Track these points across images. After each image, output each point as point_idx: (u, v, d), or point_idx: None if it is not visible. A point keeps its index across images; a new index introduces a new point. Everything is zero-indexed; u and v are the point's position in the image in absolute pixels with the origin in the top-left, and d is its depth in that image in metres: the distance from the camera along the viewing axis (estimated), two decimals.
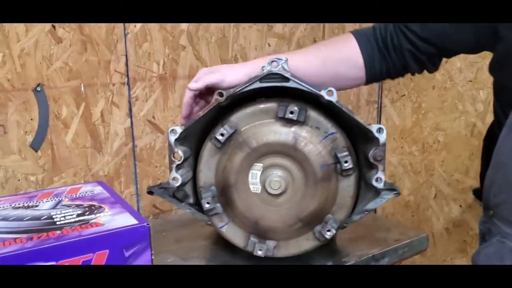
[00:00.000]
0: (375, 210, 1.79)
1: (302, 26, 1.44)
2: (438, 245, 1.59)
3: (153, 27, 1.10)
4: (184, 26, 1.15)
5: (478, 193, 1.42)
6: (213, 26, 1.21)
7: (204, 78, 0.78)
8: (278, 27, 1.38)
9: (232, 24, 1.25)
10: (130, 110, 1.09)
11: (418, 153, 1.62)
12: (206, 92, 0.81)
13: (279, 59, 0.76)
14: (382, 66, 0.84)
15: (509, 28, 0.69)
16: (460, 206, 1.52)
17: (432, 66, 0.84)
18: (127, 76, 1.07)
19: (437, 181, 1.57)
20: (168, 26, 1.12)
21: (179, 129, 0.78)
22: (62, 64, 0.98)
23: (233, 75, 0.78)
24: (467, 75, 1.43)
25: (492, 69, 0.78)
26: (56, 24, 0.95)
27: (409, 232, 1.02)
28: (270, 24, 1.35)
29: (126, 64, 1.07)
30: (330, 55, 0.82)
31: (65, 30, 0.97)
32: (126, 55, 1.06)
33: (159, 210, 1.18)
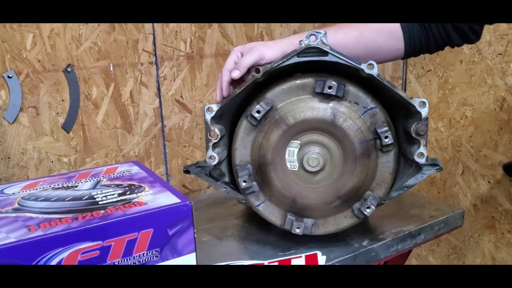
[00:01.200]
0: None
1: None
2: (466, 222, 1.58)
3: None
4: None
5: (508, 168, 1.41)
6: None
7: (244, 62, 0.76)
8: None
9: None
10: (159, 89, 1.08)
11: (444, 129, 1.60)
12: None
13: (317, 32, 0.74)
14: (422, 38, 0.82)
15: None
16: (489, 182, 1.50)
17: (475, 35, 0.82)
18: (155, 55, 1.06)
19: (464, 157, 1.55)
20: None
21: (215, 107, 0.77)
22: (91, 44, 0.97)
23: (270, 52, 0.76)
24: (497, 48, 1.39)
25: None
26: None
27: (444, 208, 1.01)
28: None
29: (154, 43, 1.05)
30: (368, 26, 0.80)
31: None
32: (154, 34, 1.05)
33: (188, 190, 1.18)
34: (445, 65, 1.56)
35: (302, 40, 0.75)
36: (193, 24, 1.11)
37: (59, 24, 0.92)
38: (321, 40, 0.74)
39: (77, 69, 0.96)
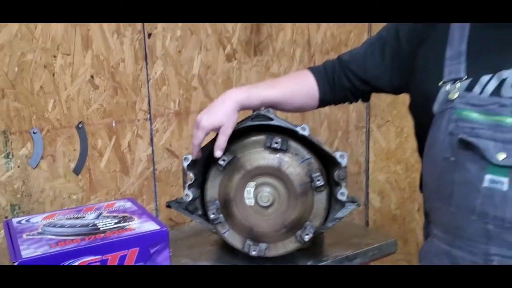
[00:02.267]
0: (366, 223, 2.01)
1: (295, 66, 1.69)
2: None
3: (170, 73, 1.35)
4: (195, 71, 1.41)
5: None
6: (219, 70, 1.46)
7: (202, 130, 0.97)
8: (274, 67, 1.63)
9: (235, 67, 1.50)
10: (152, 140, 1.34)
11: (402, 172, 1.84)
12: None
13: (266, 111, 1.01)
14: (330, 97, 1.08)
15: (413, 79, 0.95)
16: None
17: (366, 99, 1.12)
18: (149, 113, 1.32)
19: (419, 196, 1.78)
20: (183, 72, 1.38)
21: (190, 157, 1.02)
22: (98, 106, 1.23)
23: (220, 112, 0.97)
24: None
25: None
26: (94, 75, 1.21)
27: (380, 238, 1.24)
28: (267, 65, 1.60)
29: (149, 104, 1.32)
30: (298, 90, 1.06)
31: (100, 79, 1.23)
32: (149, 97, 1.32)
33: (174, 223, 1.42)
34: (400, 116, 1.82)
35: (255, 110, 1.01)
36: (181, 88, 1.38)
37: (74, 91, 1.19)
38: (268, 110, 1.01)
39: (87, 125, 1.22)
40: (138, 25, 1.27)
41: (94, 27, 1.20)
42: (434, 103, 0.90)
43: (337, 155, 0.99)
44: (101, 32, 1.21)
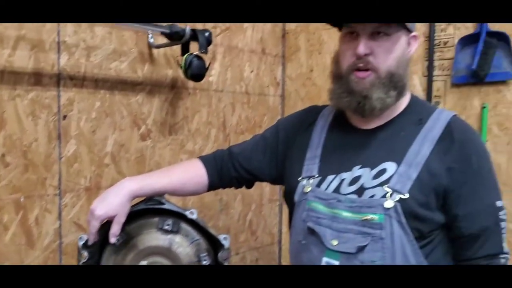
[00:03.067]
0: None
1: (210, 145, 1.84)
2: None
3: (83, 151, 1.45)
4: (108, 149, 1.51)
5: None
6: (132, 148, 1.57)
7: (96, 219, 1.04)
8: (189, 145, 1.76)
9: (149, 146, 1.62)
10: (60, 214, 1.41)
11: None
12: None
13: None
14: (218, 184, 1.24)
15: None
16: None
17: (249, 186, 1.29)
18: (59, 189, 1.40)
19: None
20: (96, 150, 1.48)
21: (85, 237, 1.10)
22: (7, 182, 1.30)
23: (114, 202, 1.06)
24: None
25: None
26: (5, 153, 1.29)
27: None
28: (182, 144, 1.73)
29: (59, 180, 1.40)
30: (189, 179, 1.19)
31: (12, 157, 1.30)
32: (60, 173, 1.40)
33: None
34: None
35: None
36: (93, 165, 1.47)
37: None
38: (159, 195, 1.12)
39: None
40: (54, 108, 1.38)
41: (9, 109, 1.29)
42: (295, 194, 1.06)
43: (221, 237, 1.11)
44: (16, 114, 1.30)
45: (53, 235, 1.40)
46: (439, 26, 1.69)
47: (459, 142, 1.00)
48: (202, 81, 1.68)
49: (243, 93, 1.98)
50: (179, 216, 1.13)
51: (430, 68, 1.70)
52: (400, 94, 1.06)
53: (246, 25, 1.97)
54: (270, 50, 2.10)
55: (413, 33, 1.07)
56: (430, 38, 1.70)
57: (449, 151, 0.99)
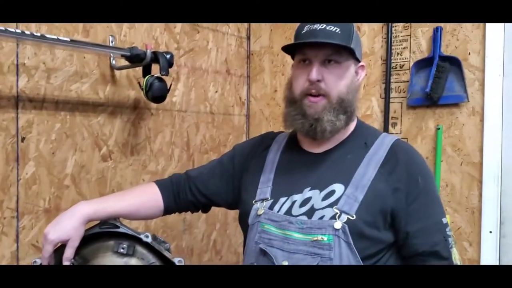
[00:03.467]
0: None
1: (173, 165, 1.85)
2: None
3: (42, 173, 1.44)
4: (68, 170, 1.51)
5: None
6: (93, 168, 1.57)
7: (49, 243, 1.04)
8: (152, 166, 1.77)
9: (110, 166, 1.63)
10: (17, 237, 1.40)
11: None
12: None
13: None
14: (174, 208, 1.25)
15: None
16: None
17: (206, 211, 1.31)
18: (17, 211, 1.39)
19: None
20: (55, 171, 1.47)
21: (39, 261, 1.10)
22: None
23: (68, 226, 1.06)
24: None
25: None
26: None
27: None
28: (144, 164, 1.74)
29: (17, 202, 1.39)
30: (143, 203, 1.20)
31: None
32: (18, 195, 1.39)
33: None
34: None
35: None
36: (52, 186, 1.47)
37: None
38: (114, 219, 1.13)
39: None
40: (12, 130, 1.37)
41: None
42: (249, 217, 1.08)
43: (175, 260, 1.12)
44: None
45: (10, 258, 1.38)
46: (396, 49, 1.75)
47: (403, 164, 1.05)
48: (165, 102, 1.69)
49: (208, 113, 2.01)
50: (134, 239, 1.14)
51: (387, 90, 1.76)
52: (349, 119, 1.11)
53: (210, 46, 2.00)
54: (235, 71, 2.13)
55: (361, 63, 1.13)
56: (387, 61, 1.76)
57: (394, 172, 1.04)
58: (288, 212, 1.04)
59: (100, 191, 1.59)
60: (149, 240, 1.12)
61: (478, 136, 1.58)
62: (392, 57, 1.76)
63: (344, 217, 1.00)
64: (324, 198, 1.03)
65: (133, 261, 1.12)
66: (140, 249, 1.13)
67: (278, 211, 1.05)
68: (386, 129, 1.75)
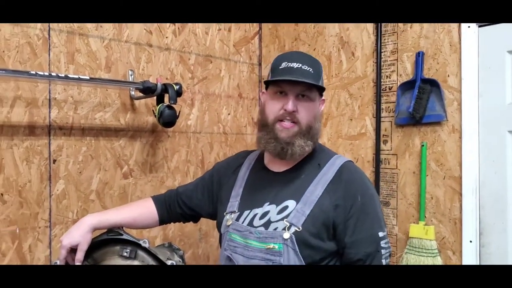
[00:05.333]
0: None
1: (189, 179, 2.08)
2: None
3: (71, 189, 1.72)
4: (94, 187, 1.78)
5: None
6: (116, 185, 1.84)
7: (63, 248, 1.30)
8: (169, 182, 2.01)
9: (131, 183, 1.88)
10: (50, 243, 1.67)
11: None
12: None
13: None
14: (167, 219, 1.48)
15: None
16: None
17: (195, 221, 1.52)
18: (50, 222, 1.67)
19: None
20: (82, 188, 1.74)
21: (58, 262, 1.35)
22: (5, 217, 1.58)
23: (76, 234, 1.31)
24: None
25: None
26: (3, 193, 1.57)
27: None
28: (162, 180, 1.98)
29: (50, 214, 1.67)
30: (139, 215, 1.43)
31: (9, 195, 1.58)
32: (50, 209, 1.67)
33: None
34: None
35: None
36: (80, 200, 1.74)
37: None
38: (118, 227, 1.37)
39: None
40: (45, 154, 1.66)
41: (7, 156, 1.57)
42: (221, 227, 1.29)
43: (168, 262, 1.34)
44: (13, 160, 1.59)
45: (44, 261, 1.66)
46: (385, 73, 1.90)
47: (345, 183, 1.22)
48: (181, 125, 1.93)
49: (221, 133, 2.23)
50: (136, 245, 1.37)
51: (378, 110, 1.91)
52: (314, 144, 1.28)
53: (222, 73, 2.23)
54: (247, 94, 2.35)
55: (323, 98, 1.32)
56: (377, 83, 1.91)
57: (337, 191, 1.21)
58: (250, 223, 1.24)
59: (122, 204, 1.85)
60: (146, 245, 1.35)
61: (458, 152, 1.70)
62: (382, 80, 1.91)
63: (293, 229, 1.18)
64: (279, 212, 1.21)
65: (135, 263, 1.35)
66: (141, 253, 1.36)
67: (242, 222, 1.25)
68: (378, 146, 1.90)
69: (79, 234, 1.30)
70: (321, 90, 1.28)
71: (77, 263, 1.31)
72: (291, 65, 1.24)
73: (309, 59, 1.28)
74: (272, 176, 1.31)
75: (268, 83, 1.32)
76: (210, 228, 2.19)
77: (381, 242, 1.20)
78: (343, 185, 1.22)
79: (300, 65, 1.24)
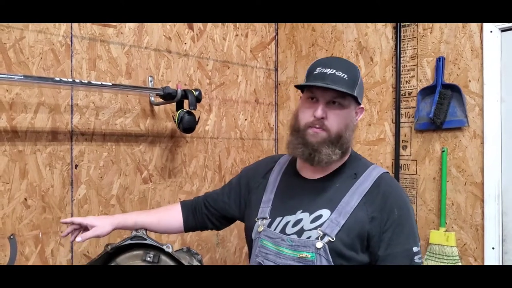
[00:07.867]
0: None
1: (207, 184, 2.09)
2: None
3: (92, 194, 1.73)
4: (114, 192, 1.79)
5: None
6: (136, 190, 1.85)
7: (76, 222, 1.34)
8: (187, 187, 2.02)
9: (150, 188, 1.89)
10: (72, 248, 1.68)
11: None
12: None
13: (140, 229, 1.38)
14: (192, 225, 1.48)
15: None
16: None
17: (221, 226, 1.50)
18: None
19: None
20: (103, 193, 1.76)
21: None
22: (29, 221, 1.59)
23: (99, 221, 1.34)
24: None
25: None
26: (27, 197, 1.58)
27: None
28: (180, 185, 1.99)
29: None
30: (164, 218, 1.44)
31: (32, 200, 1.60)
32: (72, 213, 1.68)
33: None
34: None
35: (133, 232, 1.38)
36: (100, 205, 1.75)
37: (9, 210, 1.56)
38: (142, 232, 1.37)
39: (18, 236, 1.57)
40: (67, 159, 1.67)
41: (31, 161, 1.59)
42: (252, 233, 1.28)
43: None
44: (36, 165, 1.60)
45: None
46: (404, 78, 1.90)
47: (383, 195, 1.20)
48: (199, 131, 1.94)
49: (238, 139, 2.24)
50: (159, 250, 1.38)
51: (397, 115, 1.90)
52: (344, 154, 1.26)
53: (239, 79, 2.24)
54: (264, 100, 2.36)
55: (361, 106, 1.29)
56: (396, 89, 1.91)
57: (374, 202, 1.19)
58: (282, 230, 1.22)
59: (141, 209, 1.86)
60: (170, 250, 1.35)
61: (479, 157, 1.68)
62: (401, 85, 1.90)
63: (326, 239, 1.17)
64: (313, 221, 1.20)
65: None
66: (163, 257, 1.37)
67: (274, 229, 1.24)
68: (397, 152, 1.90)
69: (101, 223, 1.32)
70: (356, 99, 1.24)
71: (78, 240, 1.30)
72: (325, 71, 1.21)
73: (345, 65, 1.24)
74: (305, 183, 1.29)
75: (303, 88, 1.30)
76: (227, 234, 2.19)
77: (415, 258, 1.18)
78: (380, 197, 1.20)
79: (334, 71, 1.20)
